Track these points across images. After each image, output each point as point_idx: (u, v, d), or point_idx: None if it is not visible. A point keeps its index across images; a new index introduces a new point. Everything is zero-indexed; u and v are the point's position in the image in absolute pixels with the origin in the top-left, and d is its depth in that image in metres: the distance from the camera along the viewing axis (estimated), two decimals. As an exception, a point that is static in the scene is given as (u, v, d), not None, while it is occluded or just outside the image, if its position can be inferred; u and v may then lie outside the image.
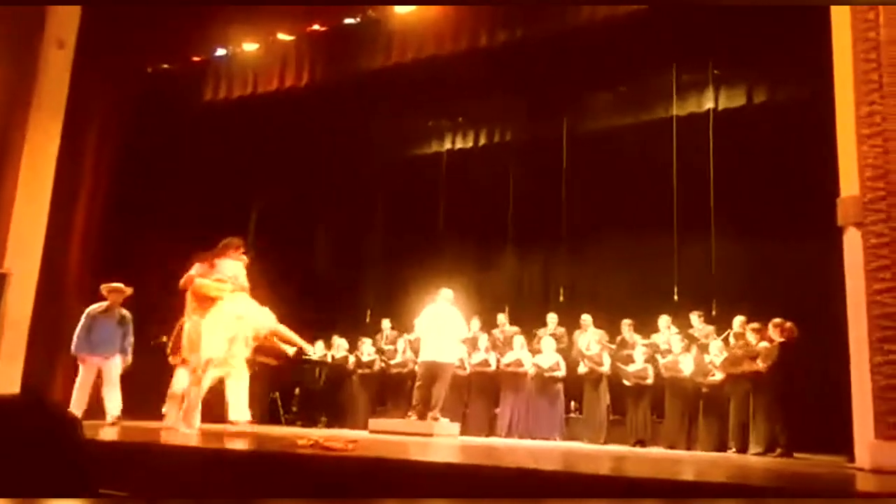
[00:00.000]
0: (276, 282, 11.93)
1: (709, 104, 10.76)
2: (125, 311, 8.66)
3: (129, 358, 8.59)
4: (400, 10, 9.58)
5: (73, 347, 8.49)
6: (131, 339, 8.61)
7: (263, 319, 7.39)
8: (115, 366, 8.43)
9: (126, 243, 11.18)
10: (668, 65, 10.51)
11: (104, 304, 8.62)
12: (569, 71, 10.50)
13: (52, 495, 1.33)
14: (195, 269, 7.45)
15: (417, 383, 9.68)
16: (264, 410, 11.58)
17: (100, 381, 8.42)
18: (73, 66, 10.43)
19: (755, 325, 8.65)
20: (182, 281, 7.48)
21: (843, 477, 5.47)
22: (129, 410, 8.51)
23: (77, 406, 7.97)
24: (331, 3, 9.78)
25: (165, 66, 11.08)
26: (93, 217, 10.98)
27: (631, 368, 9.59)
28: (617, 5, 8.36)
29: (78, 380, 8.40)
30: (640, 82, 11.09)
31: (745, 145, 10.30)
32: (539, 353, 10.12)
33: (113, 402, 8.28)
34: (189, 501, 2.57)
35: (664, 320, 9.84)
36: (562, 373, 9.91)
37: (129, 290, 8.67)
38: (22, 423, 1.38)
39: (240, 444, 5.83)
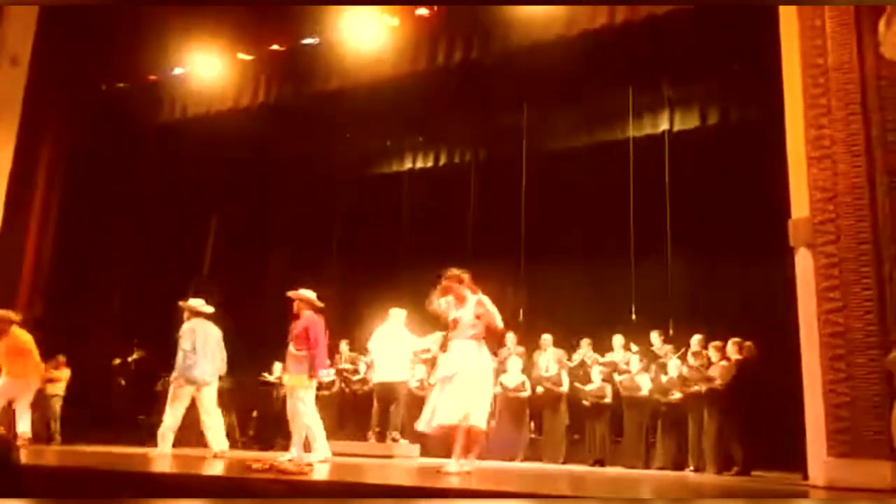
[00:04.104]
0: (233, 301, 11.83)
1: (664, 126, 10.94)
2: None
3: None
4: (359, 30, 9.59)
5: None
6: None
7: None
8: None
9: (80, 265, 10.98)
10: (624, 86, 10.66)
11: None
12: (528, 91, 10.60)
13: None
14: None
15: (375, 405, 9.66)
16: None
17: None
18: (26, 83, 10.26)
19: (717, 343, 8.75)
20: None
21: (796, 494, 5.53)
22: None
23: None
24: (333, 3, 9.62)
25: (121, 84, 10.92)
26: (44, 238, 10.75)
27: (589, 388, 9.63)
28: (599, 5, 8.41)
29: None
30: (597, 103, 11.23)
31: (700, 166, 10.47)
32: (501, 374, 10.09)
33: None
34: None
35: (618, 339, 9.91)
36: (527, 393, 9.89)
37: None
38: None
39: (194, 469, 5.71)
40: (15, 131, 10.17)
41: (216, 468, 6.11)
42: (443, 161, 13.00)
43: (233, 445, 10.85)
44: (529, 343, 10.51)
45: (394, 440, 9.32)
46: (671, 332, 9.86)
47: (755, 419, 8.27)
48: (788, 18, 6.79)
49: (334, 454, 9.21)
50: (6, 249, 9.94)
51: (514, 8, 8.83)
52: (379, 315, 10.20)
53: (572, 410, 9.77)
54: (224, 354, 8.03)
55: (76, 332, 10.84)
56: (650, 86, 10.74)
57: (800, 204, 6.46)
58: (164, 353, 11.78)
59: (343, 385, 10.94)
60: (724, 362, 8.58)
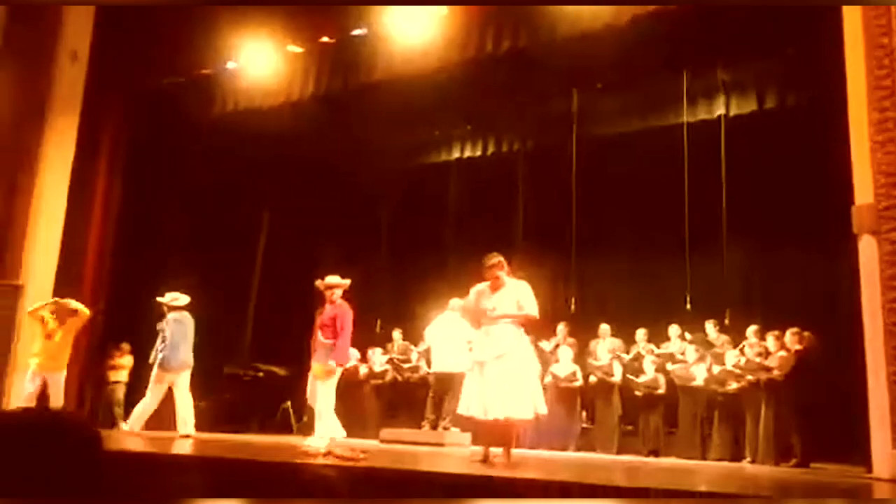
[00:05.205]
0: (286, 292, 12.02)
1: (720, 110, 10.68)
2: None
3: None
4: (408, 19, 9.59)
5: None
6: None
7: None
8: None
9: (139, 255, 11.25)
10: (678, 70, 10.43)
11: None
12: (578, 77, 10.45)
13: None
14: None
15: (430, 394, 9.71)
16: (276, 420, 11.60)
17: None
18: (86, 80, 10.52)
19: (776, 332, 8.57)
20: None
21: (860, 487, 5.40)
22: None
23: None
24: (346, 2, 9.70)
25: (176, 79, 11.12)
26: (106, 229, 11.04)
27: (641, 379, 9.51)
28: (623, 5, 8.27)
29: None
30: (650, 88, 11.02)
31: (757, 152, 10.21)
32: (553, 363, 10.05)
33: None
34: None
35: (674, 330, 9.76)
36: (579, 382, 9.84)
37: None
38: (47, 436, 1.38)
39: (251, 454, 5.82)
40: (76, 125, 10.45)
41: (272, 454, 6.22)
42: (491, 150, 12.93)
43: (287, 431, 11.09)
44: (582, 333, 10.42)
45: (445, 429, 9.37)
46: (727, 322, 9.67)
47: (815, 410, 8.09)
48: (851, -3, 6.56)
49: (387, 441, 9.34)
50: (71, 240, 10.23)
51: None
52: (429, 304, 10.24)
53: (625, 401, 9.68)
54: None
55: (139, 320, 11.13)
56: (705, 69, 10.49)
57: (864, 190, 6.25)
58: (223, 341, 12.14)
59: (395, 373, 11.03)
60: (782, 352, 8.39)
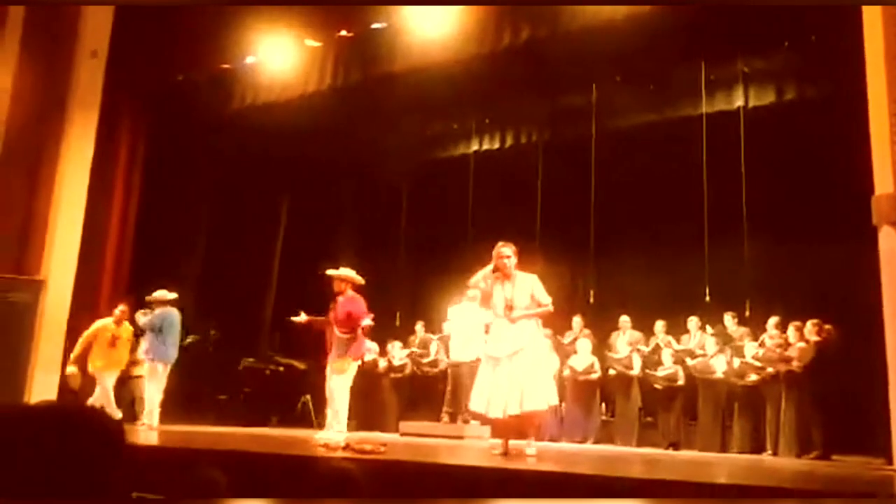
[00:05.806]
0: (303, 285, 12.07)
1: (739, 101, 10.60)
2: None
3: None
4: (424, 13, 9.59)
5: None
6: None
7: None
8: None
9: (159, 250, 11.36)
10: (696, 61, 10.37)
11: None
12: (596, 69, 10.41)
13: (92, 499, 1.35)
14: None
15: (449, 388, 9.75)
16: (296, 414, 11.69)
17: None
18: (105, 76, 10.61)
19: (797, 323, 8.52)
20: None
21: (881, 479, 5.37)
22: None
23: None
24: (358, 2, 9.75)
25: (196, 74, 11.19)
26: (126, 223, 11.15)
27: (660, 372, 9.49)
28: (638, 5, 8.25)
29: None
30: (668, 80, 10.95)
31: (776, 142, 10.14)
32: (570, 355, 10.04)
33: None
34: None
35: (693, 322, 9.73)
36: (598, 374, 9.83)
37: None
38: (71, 429, 1.39)
39: (270, 448, 5.88)
40: (96, 121, 10.54)
41: (292, 448, 6.27)
42: (509, 143, 12.91)
43: (307, 425, 11.17)
44: (603, 325, 10.40)
45: (465, 421, 9.41)
46: (747, 313, 9.62)
47: (835, 402, 8.04)
48: (871, -13, 6.50)
49: (407, 434, 9.39)
50: (91, 234, 10.33)
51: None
52: (447, 298, 10.25)
53: (645, 394, 9.66)
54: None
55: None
56: (724, 60, 10.41)
57: (883, 180, 6.21)
58: (242, 335, 12.25)
59: (414, 367, 11.07)
60: (802, 343, 8.35)
